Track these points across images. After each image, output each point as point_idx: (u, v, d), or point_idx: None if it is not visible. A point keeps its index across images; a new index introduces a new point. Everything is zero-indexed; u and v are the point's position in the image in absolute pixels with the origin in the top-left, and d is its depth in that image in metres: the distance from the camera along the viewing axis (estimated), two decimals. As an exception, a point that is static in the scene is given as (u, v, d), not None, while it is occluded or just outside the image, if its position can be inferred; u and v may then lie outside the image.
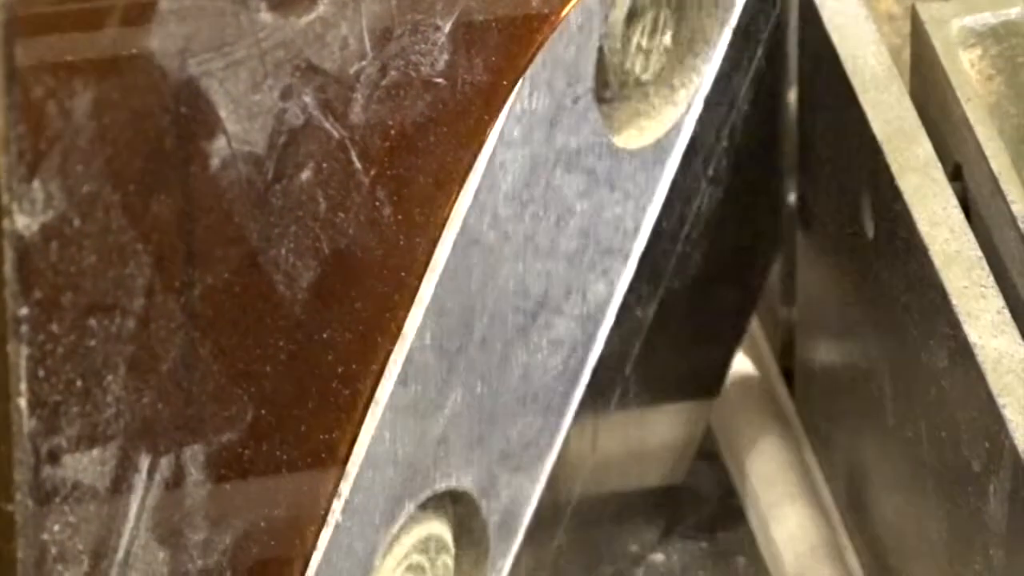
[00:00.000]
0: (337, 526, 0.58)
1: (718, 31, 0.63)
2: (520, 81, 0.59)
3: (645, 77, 0.62)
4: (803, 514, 0.66)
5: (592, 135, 0.61)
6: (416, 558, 0.62)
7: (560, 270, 0.63)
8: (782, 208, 0.68)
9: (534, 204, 0.61)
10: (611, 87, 0.61)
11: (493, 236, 0.60)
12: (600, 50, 0.60)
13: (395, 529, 0.60)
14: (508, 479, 0.63)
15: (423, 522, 0.61)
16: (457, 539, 0.63)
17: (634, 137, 0.62)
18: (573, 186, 0.62)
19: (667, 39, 0.62)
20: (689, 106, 0.63)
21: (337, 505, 0.58)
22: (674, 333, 0.67)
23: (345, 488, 0.58)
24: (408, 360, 0.59)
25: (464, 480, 0.62)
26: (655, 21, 0.61)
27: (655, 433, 0.67)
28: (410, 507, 0.60)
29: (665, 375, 0.67)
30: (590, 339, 0.65)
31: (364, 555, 0.60)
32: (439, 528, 0.62)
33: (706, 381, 0.69)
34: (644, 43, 0.61)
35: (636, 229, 0.65)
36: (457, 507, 0.63)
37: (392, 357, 0.59)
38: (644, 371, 0.66)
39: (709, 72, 0.63)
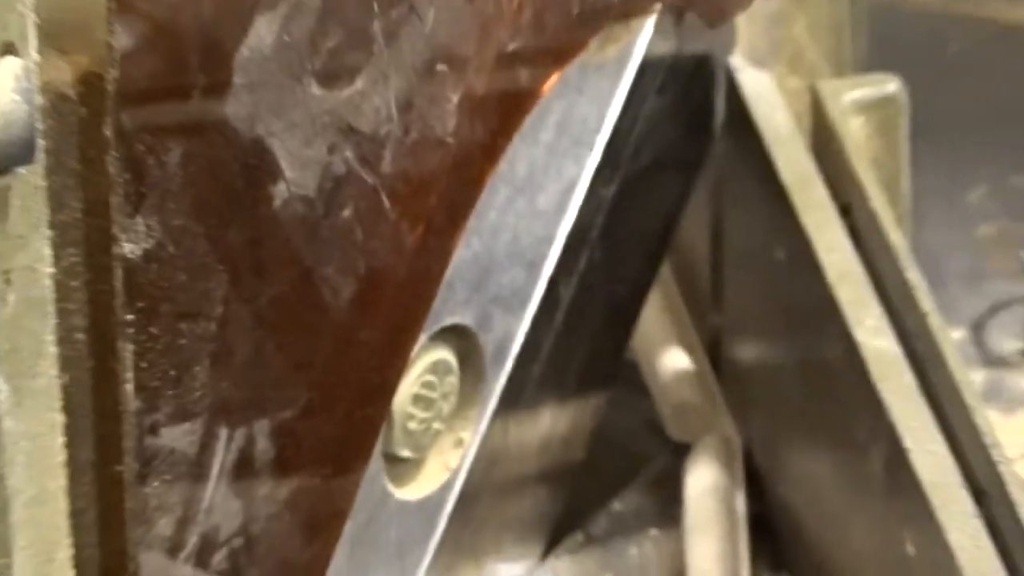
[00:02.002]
0: None
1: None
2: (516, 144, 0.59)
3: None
4: (716, 470, 0.65)
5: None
6: (428, 377, 0.62)
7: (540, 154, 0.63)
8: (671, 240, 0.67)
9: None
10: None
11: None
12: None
13: (411, 355, 0.60)
14: (500, 317, 0.64)
15: (433, 350, 0.62)
16: (461, 364, 0.64)
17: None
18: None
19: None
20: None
21: None
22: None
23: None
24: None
25: (466, 317, 0.63)
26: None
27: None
28: (423, 338, 0.61)
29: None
30: (563, 210, 0.65)
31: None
32: (446, 354, 0.63)
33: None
34: None
35: (599, 128, 0.65)
36: (460, 339, 0.63)
37: None
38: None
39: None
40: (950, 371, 0.55)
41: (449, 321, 0.62)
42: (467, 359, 0.64)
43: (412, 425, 0.62)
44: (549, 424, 0.67)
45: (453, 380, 0.63)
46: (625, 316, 0.69)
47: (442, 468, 0.64)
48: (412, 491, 0.64)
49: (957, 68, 0.76)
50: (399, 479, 0.63)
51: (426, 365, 0.62)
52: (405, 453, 0.62)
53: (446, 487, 0.65)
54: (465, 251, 0.61)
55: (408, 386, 0.61)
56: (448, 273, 0.60)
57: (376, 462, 0.61)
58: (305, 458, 0.56)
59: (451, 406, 0.63)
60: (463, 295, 0.62)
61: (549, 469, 0.65)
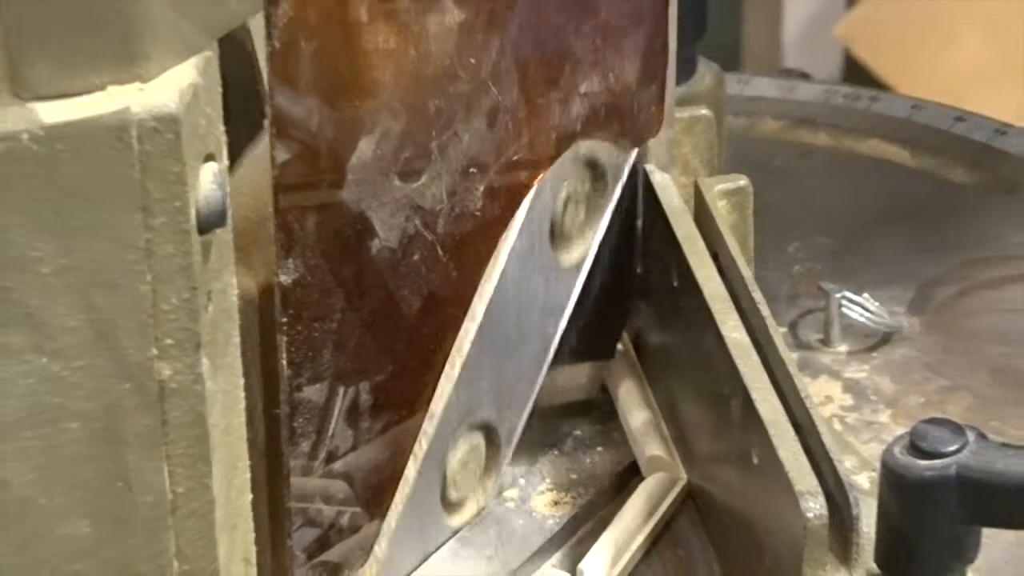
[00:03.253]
0: (427, 433, 0.57)
1: (603, 211, 0.61)
2: (518, 215, 0.58)
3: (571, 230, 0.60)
4: (642, 414, 0.64)
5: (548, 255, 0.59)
6: (466, 456, 0.59)
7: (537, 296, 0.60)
8: (635, 275, 0.66)
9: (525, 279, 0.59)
10: (555, 233, 0.59)
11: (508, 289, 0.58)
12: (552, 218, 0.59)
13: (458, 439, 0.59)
14: (510, 411, 0.61)
15: (469, 435, 0.59)
16: (488, 443, 0.60)
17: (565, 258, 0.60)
18: (538, 279, 0.60)
19: (581, 214, 0.60)
20: (590, 244, 0.61)
21: (429, 425, 0.57)
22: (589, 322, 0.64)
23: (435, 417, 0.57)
24: (467, 357, 0.57)
25: (490, 414, 0.59)
26: (576, 204, 0.60)
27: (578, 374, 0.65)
28: (463, 428, 0.59)
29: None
30: (552, 335, 0.61)
31: (441, 449, 0.58)
32: (477, 439, 0.60)
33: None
34: (570, 216, 0.60)
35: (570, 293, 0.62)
36: (486, 428, 0.60)
37: (457, 347, 0.57)
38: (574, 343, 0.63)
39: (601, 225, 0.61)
40: (778, 352, 0.55)
41: (479, 418, 0.59)
42: (490, 441, 0.60)
43: (459, 478, 0.59)
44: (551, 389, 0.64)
45: (481, 454, 0.60)
46: (613, 306, 0.65)
47: (475, 504, 0.61)
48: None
49: (779, 172, 0.76)
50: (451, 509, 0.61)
51: (466, 448, 0.59)
52: (454, 495, 0.60)
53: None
54: (488, 372, 0.58)
55: (456, 460, 0.59)
56: (477, 388, 0.58)
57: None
58: (388, 405, 0.56)
59: (480, 470, 0.61)
60: (487, 400, 0.59)
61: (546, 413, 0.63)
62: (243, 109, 0.50)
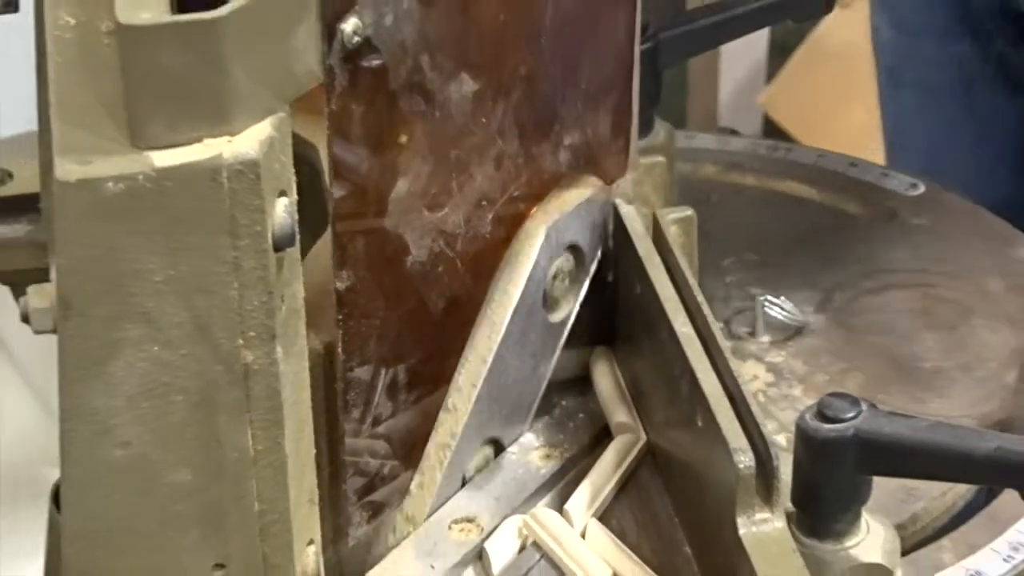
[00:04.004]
0: (450, 448, 0.56)
1: (583, 282, 0.60)
2: (519, 286, 0.56)
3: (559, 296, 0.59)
4: (614, 390, 0.62)
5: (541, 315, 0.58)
6: (481, 462, 0.58)
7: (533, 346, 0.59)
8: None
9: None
10: (547, 299, 0.58)
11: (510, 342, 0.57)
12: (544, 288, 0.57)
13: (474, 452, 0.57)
14: (512, 428, 0.59)
15: (482, 448, 0.58)
16: (496, 451, 0.59)
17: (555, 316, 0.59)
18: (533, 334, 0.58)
19: (566, 284, 0.59)
20: (573, 305, 0.59)
21: (452, 441, 0.55)
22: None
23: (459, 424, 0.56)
24: (479, 393, 0.56)
25: (498, 432, 0.58)
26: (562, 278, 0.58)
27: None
28: (478, 443, 0.57)
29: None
30: (544, 373, 0.60)
31: (462, 460, 0.57)
32: (488, 450, 0.58)
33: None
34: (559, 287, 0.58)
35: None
36: (495, 441, 0.58)
37: (473, 383, 0.56)
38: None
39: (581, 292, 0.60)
40: (717, 342, 0.54)
41: (490, 434, 0.57)
42: (498, 447, 0.59)
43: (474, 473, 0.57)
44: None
45: (491, 458, 0.58)
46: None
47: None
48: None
49: (716, 205, 0.76)
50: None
51: (480, 457, 0.58)
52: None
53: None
54: (492, 387, 0.56)
55: (472, 466, 0.57)
56: (485, 404, 0.56)
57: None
58: (419, 382, 0.55)
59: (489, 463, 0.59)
60: (495, 416, 0.57)
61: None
62: (307, 211, 0.49)
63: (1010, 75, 0.76)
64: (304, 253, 0.47)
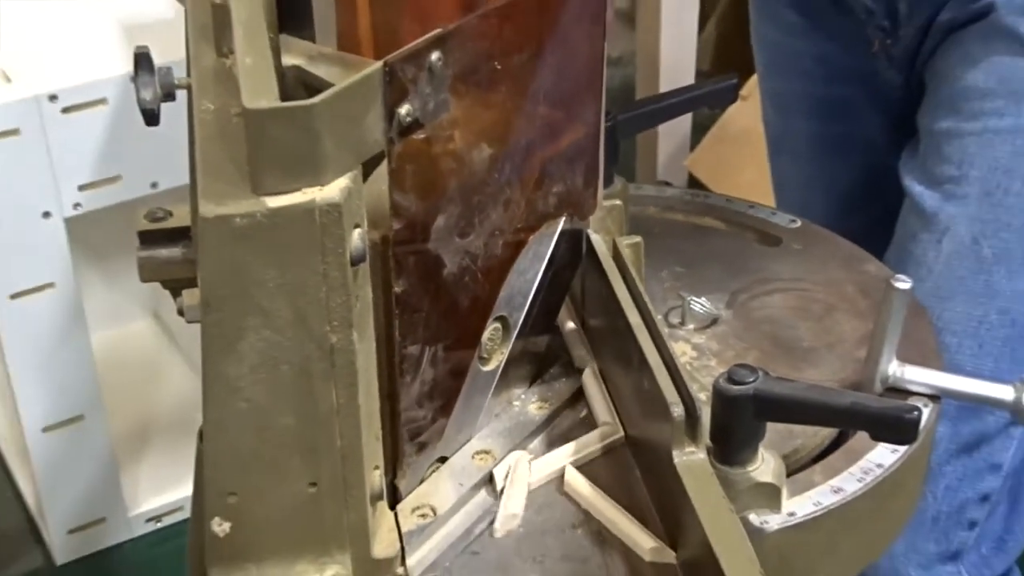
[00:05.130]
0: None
1: (508, 344, 0.56)
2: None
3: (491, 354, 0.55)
4: (588, 366, 0.61)
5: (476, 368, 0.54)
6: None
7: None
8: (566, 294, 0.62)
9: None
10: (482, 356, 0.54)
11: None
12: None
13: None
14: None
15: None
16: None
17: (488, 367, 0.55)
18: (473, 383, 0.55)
19: (498, 344, 0.55)
20: (500, 361, 0.55)
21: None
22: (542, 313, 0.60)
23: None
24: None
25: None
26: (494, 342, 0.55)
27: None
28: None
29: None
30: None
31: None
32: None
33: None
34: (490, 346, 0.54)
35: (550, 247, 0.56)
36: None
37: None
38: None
39: (505, 351, 0.55)
40: (658, 329, 0.53)
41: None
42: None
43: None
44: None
45: None
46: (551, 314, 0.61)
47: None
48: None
49: (656, 235, 0.74)
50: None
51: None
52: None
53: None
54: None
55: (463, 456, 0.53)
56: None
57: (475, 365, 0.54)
58: (450, 357, 0.53)
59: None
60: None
61: (534, 360, 0.60)
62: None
63: (850, 148, 0.79)
64: (377, 274, 0.46)
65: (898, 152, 0.72)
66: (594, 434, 0.56)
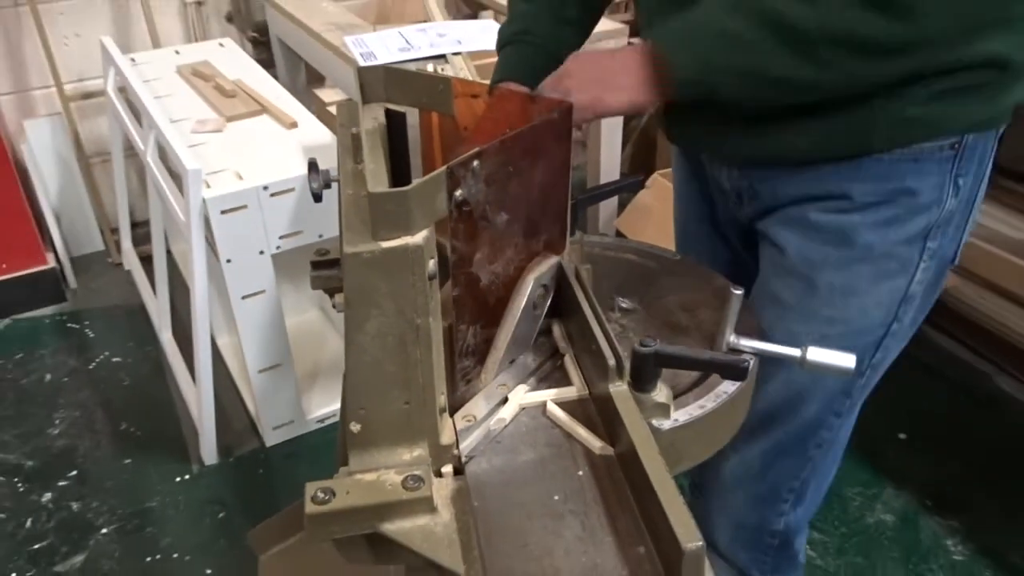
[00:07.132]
0: (499, 352, 0.48)
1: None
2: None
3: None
4: (561, 340, 0.56)
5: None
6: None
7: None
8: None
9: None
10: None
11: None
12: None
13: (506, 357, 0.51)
14: (520, 348, 0.51)
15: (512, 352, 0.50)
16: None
17: (536, 311, 0.50)
18: None
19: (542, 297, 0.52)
20: (546, 303, 0.51)
21: (498, 353, 0.48)
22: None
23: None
24: (513, 329, 0.49)
25: (515, 352, 0.50)
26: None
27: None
28: (508, 354, 0.50)
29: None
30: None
31: (503, 359, 0.51)
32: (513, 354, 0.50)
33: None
34: (539, 299, 0.50)
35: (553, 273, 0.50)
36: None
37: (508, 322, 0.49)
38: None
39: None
40: (602, 318, 0.51)
41: (513, 354, 0.48)
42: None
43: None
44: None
45: None
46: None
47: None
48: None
49: (601, 265, 0.64)
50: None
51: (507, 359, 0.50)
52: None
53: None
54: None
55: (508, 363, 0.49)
56: (511, 336, 0.48)
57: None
58: (485, 332, 0.51)
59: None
60: (515, 343, 0.49)
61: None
62: (442, 266, 0.44)
63: (717, 220, 0.75)
64: (442, 284, 0.45)
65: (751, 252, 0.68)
66: (570, 388, 0.54)
